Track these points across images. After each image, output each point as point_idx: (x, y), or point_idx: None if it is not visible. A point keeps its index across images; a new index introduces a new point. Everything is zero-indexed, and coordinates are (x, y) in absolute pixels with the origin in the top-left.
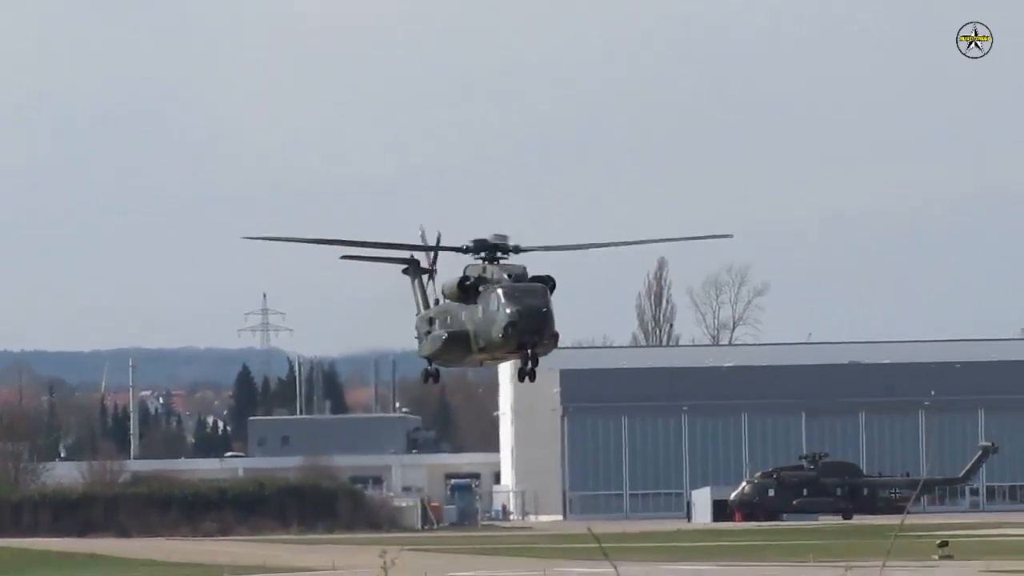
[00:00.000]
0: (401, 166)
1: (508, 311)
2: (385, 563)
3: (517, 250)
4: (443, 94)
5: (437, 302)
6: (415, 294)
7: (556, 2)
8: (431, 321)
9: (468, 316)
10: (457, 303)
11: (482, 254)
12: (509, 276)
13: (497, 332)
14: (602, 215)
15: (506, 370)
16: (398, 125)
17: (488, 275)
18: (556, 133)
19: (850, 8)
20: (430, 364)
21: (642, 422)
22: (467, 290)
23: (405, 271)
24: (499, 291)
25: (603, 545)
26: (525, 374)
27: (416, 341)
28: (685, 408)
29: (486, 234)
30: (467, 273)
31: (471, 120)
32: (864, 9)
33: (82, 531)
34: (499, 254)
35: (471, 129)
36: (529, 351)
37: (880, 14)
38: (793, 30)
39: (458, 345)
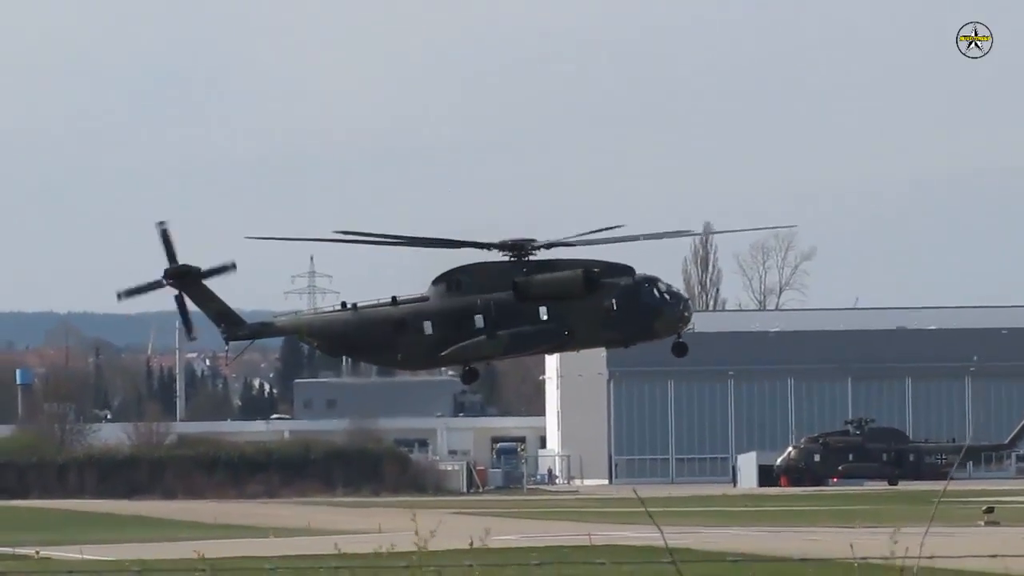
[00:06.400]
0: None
1: (678, 302)
2: (430, 531)
3: (547, 246)
4: (458, 75)
5: (354, 306)
6: (207, 304)
7: None
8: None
9: (578, 306)
10: (527, 297)
11: (508, 251)
12: (623, 269)
13: (668, 322)
14: (649, 179)
15: None
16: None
17: (603, 270)
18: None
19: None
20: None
21: (688, 387)
22: (590, 284)
23: (176, 285)
24: (652, 285)
25: (649, 509)
26: (684, 350)
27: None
28: (731, 373)
29: (502, 225)
30: (587, 269)
31: (484, 100)
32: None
33: (128, 493)
34: (525, 251)
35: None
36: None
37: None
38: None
39: (565, 336)
